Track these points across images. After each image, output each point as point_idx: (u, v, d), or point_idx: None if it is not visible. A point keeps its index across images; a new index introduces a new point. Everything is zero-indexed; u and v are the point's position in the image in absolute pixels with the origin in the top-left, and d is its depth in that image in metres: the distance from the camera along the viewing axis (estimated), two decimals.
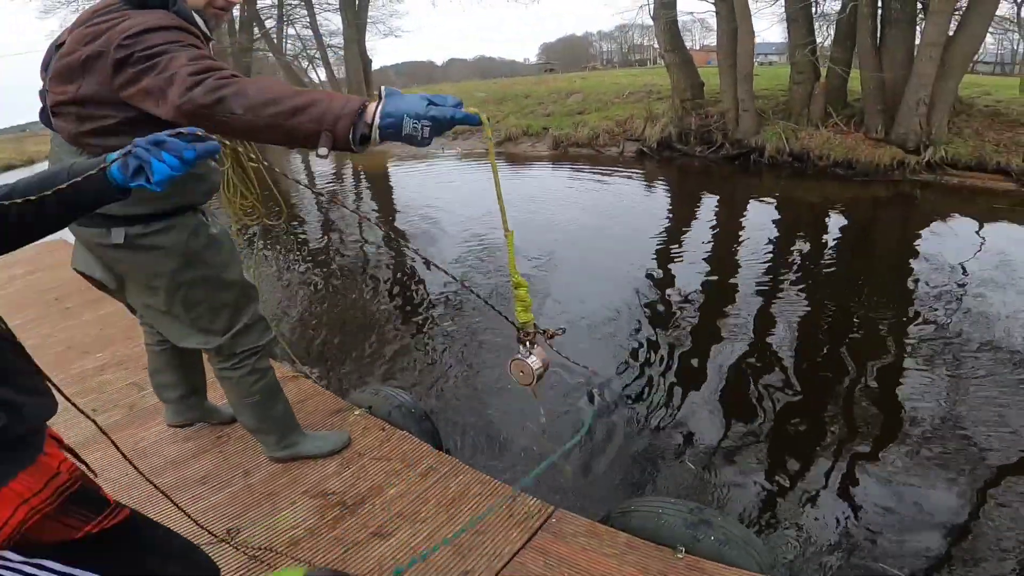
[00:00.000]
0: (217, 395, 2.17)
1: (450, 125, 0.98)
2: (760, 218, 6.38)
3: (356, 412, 2.28)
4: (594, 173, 9.41)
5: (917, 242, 5.33)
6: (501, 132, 13.05)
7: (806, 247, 5.31)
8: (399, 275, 5.41)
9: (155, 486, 1.12)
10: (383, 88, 1.00)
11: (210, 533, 1.31)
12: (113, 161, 0.81)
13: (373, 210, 8.81)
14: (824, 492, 2.28)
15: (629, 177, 8.98)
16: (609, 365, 3.31)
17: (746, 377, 3.10)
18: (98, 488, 0.94)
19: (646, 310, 4.05)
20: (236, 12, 21.94)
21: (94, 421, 0.99)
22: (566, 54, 54.58)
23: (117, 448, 1.05)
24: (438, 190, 9.23)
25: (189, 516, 1.23)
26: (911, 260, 4.79)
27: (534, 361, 1.25)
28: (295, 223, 7.92)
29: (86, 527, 0.89)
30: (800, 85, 8.96)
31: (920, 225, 5.84)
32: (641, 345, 3.53)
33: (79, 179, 0.79)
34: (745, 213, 6.69)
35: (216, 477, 1.95)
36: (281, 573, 1.45)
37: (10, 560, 0.83)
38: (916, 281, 4.28)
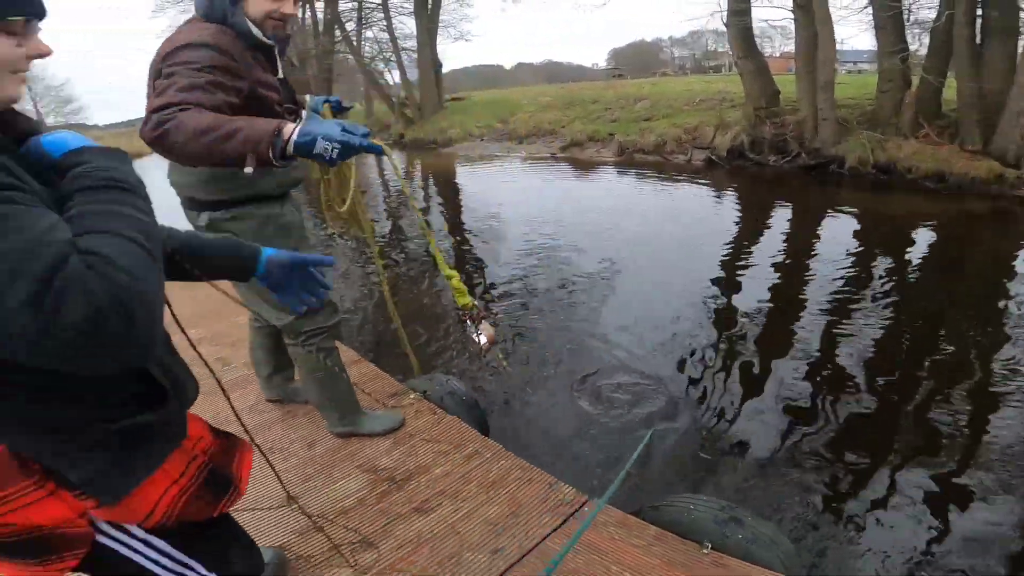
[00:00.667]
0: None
1: (357, 151, 1.14)
2: (837, 230, 6.09)
3: (412, 396, 2.42)
4: (660, 180, 9.28)
5: (1014, 261, 4.91)
6: (566, 137, 13.09)
7: (888, 262, 5.01)
8: (459, 269, 5.59)
9: (256, 447, 1.17)
10: (304, 111, 1.37)
11: (288, 495, 1.43)
12: (262, 276, 1.02)
13: (439, 208, 9.09)
14: (880, 511, 2.19)
15: (697, 185, 8.79)
16: (669, 368, 3.31)
17: (810, 391, 3.00)
18: (227, 466, 0.97)
19: (710, 317, 3.99)
20: (320, 14, 23.28)
21: (219, 383, 1.12)
22: (635, 59, 53.74)
23: (232, 409, 1.18)
24: (503, 191, 9.41)
25: (278, 476, 1.34)
26: (1007, 280, 4.43)
27: (481, 337, 1.52)
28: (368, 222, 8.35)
29: (215, 509, 0.94)
30: (888, 94, 8.46)
31: (1018, 243, 5.37)
32: (702, 351, 3.49)
33: (234, 260, 1.00)
34: (821, 225, 6.39)
35: (283, 448, 2.13)
36: None
37: (133, 537, 0.88)
38: (1011, 303, 3.95)
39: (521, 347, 3.75)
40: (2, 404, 0.67)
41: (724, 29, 10.56)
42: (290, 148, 1.10)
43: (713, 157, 10.10)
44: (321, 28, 23.73)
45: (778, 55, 26.69)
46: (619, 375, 3.28)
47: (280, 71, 1.53)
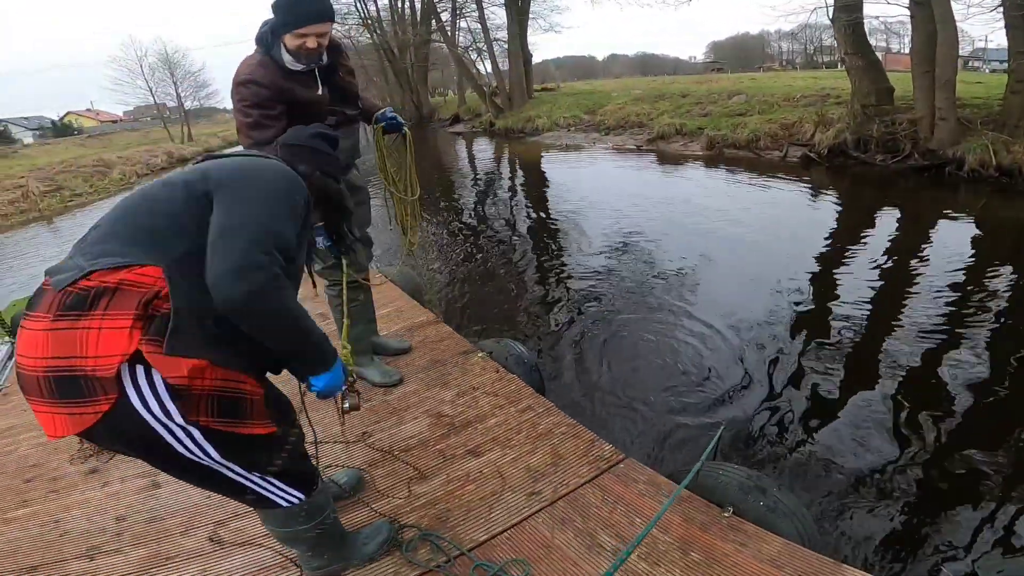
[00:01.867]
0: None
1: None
2: (950, 237, 5.51)
3: (479, 354, 2.63)
4: (752, 176, 8.84)
5: None
6: (653, 130, 12.78)
7: (1009, 272, 4.46)
8: (539, 251, 5.81)
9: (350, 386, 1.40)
10: (365, 131, 2.09)
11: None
12: (318, 392, 1.21)
13: (524, 195, 9.25)
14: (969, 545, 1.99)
15: (792, 182, 8.28)
16: (745, 367, 3.20)
17: (900, 408, 2.75)
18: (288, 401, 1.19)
19: (798, 321, 3.78)
20: (418, 4, 24.13)
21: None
22: (738, 53, 51.07)
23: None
24: (588, 182, 9.39)
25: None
26: None
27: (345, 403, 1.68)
28: (454, 197, 8.73)
29: (272, 427, 1.11)
30: (1019, 95, 7.53)
31: None
32: (785, 354, 3.33)
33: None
34: (932, 230, 5.81)
35: (363, 391, 2.33)
36: None
37: (193, 433, 1.01)
38: None
39: (595, 331, 3.81)
40: None
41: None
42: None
43: (811, 154, 9.44)
44: (419, 18, 24.59)
45: (903, 52, 24.34)
46: (691, 367, 3.25)
47: (320, 86, 1.84)
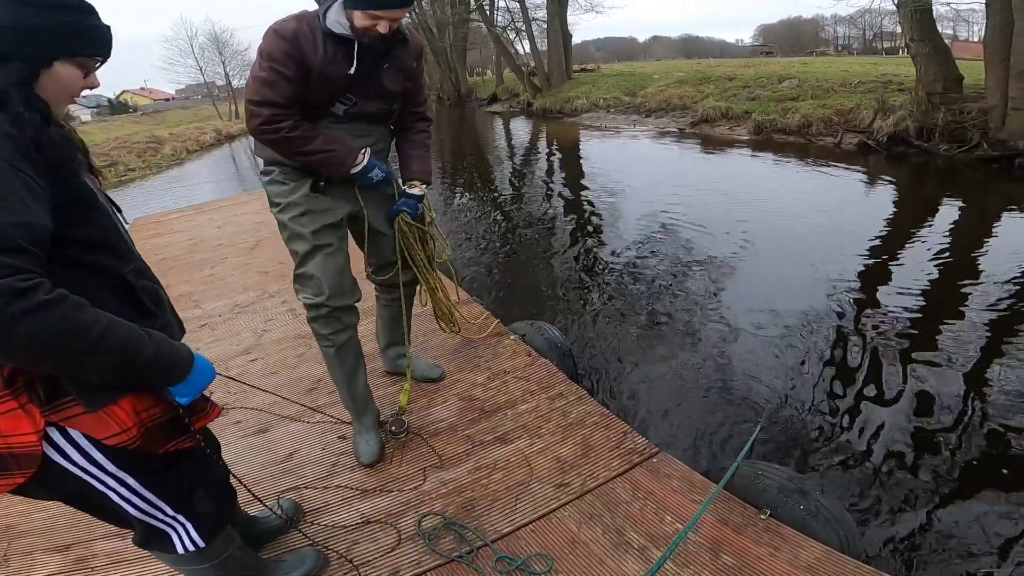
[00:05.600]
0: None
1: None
2: (1019, 233, 5.10)
3: (512, 337, 2.58)
4: (802, 163, 8.43)
5: None
6: (697, 113, 12.34)
7: None
8: (574, 234, 5.70)
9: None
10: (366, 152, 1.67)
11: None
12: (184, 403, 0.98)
13: (560, 176, 9.09)
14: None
15: (846, 170, 7.84)
16: (784, 361, 3.06)
17: (950, 410, 2.57)
18: (187, 417, 1.01)
19: (844, 313, 3.57)
20: None
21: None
22: (789, 37, 48.82)
23: None
24: (627, 164, 9.17)
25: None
26: None
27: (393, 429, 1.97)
28: (489, 181, 8.68)
29: (163, 447, 0.98)
30: None
31: None
32: (827, 347, 3.17)
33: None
34: (998, 224, 5.39)
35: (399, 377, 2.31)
36: None
37: (90, 460, 0.93)
38: None
39: (630, 318, 3.72)
40: None
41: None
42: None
43: (869, 142, 8.91)
44: None
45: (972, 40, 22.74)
46: (729, 361, 3.13)
47: (354, 65, 1.55)
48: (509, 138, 13.79)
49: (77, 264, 0.84)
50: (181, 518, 1.09)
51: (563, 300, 4.13)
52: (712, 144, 10.53)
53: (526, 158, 11.45)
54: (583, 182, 8.27)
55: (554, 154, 11.51)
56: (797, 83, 12.47)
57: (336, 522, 1.64)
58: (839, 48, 42.99)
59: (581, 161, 10.37)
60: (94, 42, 0.89)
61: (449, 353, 2.50)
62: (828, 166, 8.09)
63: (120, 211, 1.01)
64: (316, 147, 1.56)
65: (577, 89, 17.79)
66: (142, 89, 52.18)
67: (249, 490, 1.29)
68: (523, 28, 21.62)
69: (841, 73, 12.96)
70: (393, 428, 1.96)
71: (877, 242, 4.91)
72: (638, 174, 8.16)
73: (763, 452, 2.37)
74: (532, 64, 20.73)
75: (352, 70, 1.54)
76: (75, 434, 0.90)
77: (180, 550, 1.12)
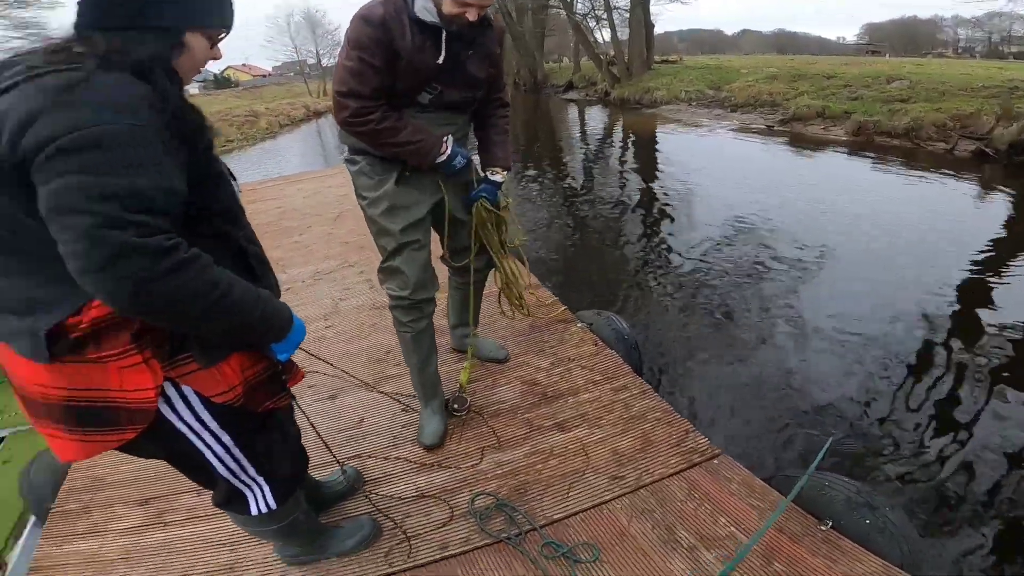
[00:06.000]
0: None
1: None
2: None
3: (579, 325, 2.57)
4: (907, 168, 7.72)
5: None
6: (789, 110, 11.59)
7: None
8: (646, 226, 5.61)
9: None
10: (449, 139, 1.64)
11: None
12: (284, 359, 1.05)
13: (635, 167, 8.89)
14: None
15: (957, 179, 7.11)
16: (867, 379, 2.87)
17: None
18: (284, 373, 1.08)
19: (937, 329, 3.30)
20: None
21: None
22: (901, 37, 44.77)
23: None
24: (708, 158, 8.83)
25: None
26: None
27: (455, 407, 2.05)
28: (561, 167, 8.64)
29: (263, 404, 1.04)
30: None
31: None
32: (914, 369, 2.93)
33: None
34: None
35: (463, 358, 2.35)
36: None
37: (197, 418, 0.99)
38: None
39: (698, 312, 3.66)
40: None
41: None
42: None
43: (987, 150, 8.02)
44: None
45: None
46: (801, 369, 2.99)
47: (442, 54, 1.50)
48: (584, 126, 13.61)
49: (206, 229, 0.89)
50: (261, 480, 1.16)
51: (631, 291, 4.07)
52: (803, 143, 9.87)
53: (600, 146, 11.25)
54: (658, 173, 8.04)
55: (629, 144, 11.26)
56: (908, 84, 11.40)
57: (394, 493, 1.71)
58: (958, 51, 38.92)
59: (658, 152, 10.06)
60: (223, 14, 0.91)
61: (516, 336, 2.53)
62: (936, 173, 7.37)
63: (235, 179, 1.06)
64: (403, 138, 1.55)
65: (658, 80, 17.18)
66: (243, 66, 55.81)
67: (330, 450, 1.39)
68: (604, 16, 21.07)
69: (961, 76, 11.70)
70: (455, 406, 2.02)
71: (982, 257, 4.45)
72: (718, 169, 7.82)
73: (831, 463, 2.26)
74: (612, 53, 20.19)
75: (440, 60, 1.50)
76: (187, 390, 0.95)
77: (254, 511, 1.19)
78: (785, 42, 54.07)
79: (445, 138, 1.64)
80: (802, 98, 11.98)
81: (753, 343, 3.24)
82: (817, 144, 9.73)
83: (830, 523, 1.44)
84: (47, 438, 0.92)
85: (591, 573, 1.39)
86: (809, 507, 1.50)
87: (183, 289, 0.76)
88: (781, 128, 11.26)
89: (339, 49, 1.57)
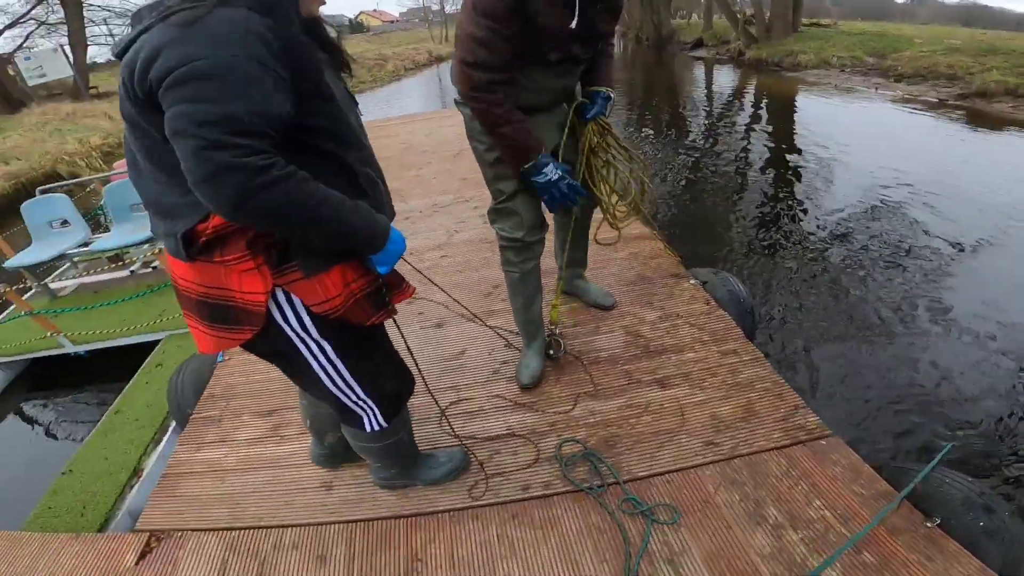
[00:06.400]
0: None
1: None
2: None
3: (692, 281, 2.44)
4: None
5: None
6: (972, 84, 9.86)
7: None
8: (775, 191, 5.27)
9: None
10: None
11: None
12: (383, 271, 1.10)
13: (767, 129, 8.18)
14: None
15: None
16: (1006, 380, 2.56)
17: None
18: (388, 290, 1.12)
19: None
20: None
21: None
22: None
23: None
24: (856, 128, 7.84)
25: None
26: None
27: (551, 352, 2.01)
28: (683, 117, 8.11)
29: (368, 319, 1.09)
30: None
31: None
32: None
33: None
34: None
35: (569, 300, 2.37)
36: None
37: (305, 328, 1.07)
38: None
39: (822, 288, 3.43)
40: None
41: None
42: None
43: None
44: None
45: None
46: (930, 358, 2.72)
47: (575, 17, 1.42)
48: (710, 84, 12.62)
49: (308, 146, 0.94)
50: (370, 402, 1.25)
51: (753, 254, 3.87)
52: (982, 121, 8.40)
53: (729, 105, 10.38)
54: (793, 138, 7.33)
55: (763, 106, 10.27)
56: None
57: (485, 428, 1.77)
58: None
59: (795, 117, 9.11)
60: None
61: (624, 285, 2.47)
62: None
63: (357, 104, 1.12)
64: (507, 132, 1.53)
65: (804, 43, 15.25)
66: (374, 11, 57.95)
67: (424, 381, 1.44)
68: None
69: None
70: (551, 352, 2.02)
71: None
72: (867, 141, 6.90)
73: (953, 460, 2.05)
74: (750, 11, 18.22)
75: (573, 24, 1.43)
76: (294, 298, 1.04)
77: (368, 430, 1.31)
78: (974, 15, 45.41)
79: (541, 150, 1.58)
80: (991, 73, 10.12)
81: (885, 326, 2.96)
82: (1000, 124, 8.23)
83: (938, 520, 1.32)
84: (191, 330, 1.08)
85: (667, 536, 1.38)
86: (920, 502, 1.38)
87: (278, 201, 0.83)
88: (957, 103, 9.66)
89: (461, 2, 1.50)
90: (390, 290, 1.13)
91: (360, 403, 1.25)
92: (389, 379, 1.27)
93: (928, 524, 1.32)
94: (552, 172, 1.59)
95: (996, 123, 8.35)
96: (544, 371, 1.97)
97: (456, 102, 1.73)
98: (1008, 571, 1.22)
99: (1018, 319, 2.97)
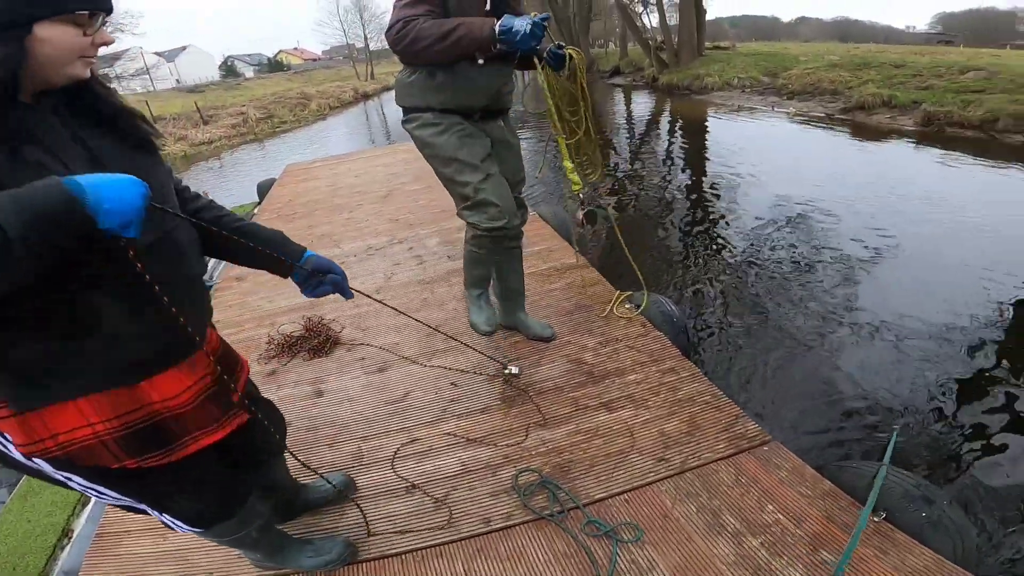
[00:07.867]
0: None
1: (542, 32, 1.51)
2: None
3: (626, 305, 2.52)
4: (979, 160, 7.24)
5: None
6: (852, 98, 11.01)
7: None
8: (694, 213, 5.52)
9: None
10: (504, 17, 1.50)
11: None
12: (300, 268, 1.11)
13: (682, 153, 8.71)
14: None
15: None
16: (926, 376, 2.76)
17: None
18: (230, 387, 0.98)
19: (1007, 326, 3.14)
20: None
21: None
22: (976, 28, 41.86)
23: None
24: (760, 147, 8.52)
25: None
26: None
27: (578, 214, 2.03)
28: (605, 148, 8.54)
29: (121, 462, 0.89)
30: None
31: None
32: (977, 368, 2.80)
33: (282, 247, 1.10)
34: None
35: (511, 332, 2.41)
36: None
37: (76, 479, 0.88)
38: None
39: (746, 302, 3.60)
40: None
41: None
42: (498, 30, 1.48)
43: None
44: None
45: None
46: (854, 360, 2.90)
47: (489, 4, 1.59)
48: (630, 111, 13.38)
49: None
50: (164, 516, 1.04)
51: (680, 276, 4.05)
52: (866, 134, 9.38)
53: (647, 130, 11.03)
54: (707, 160, 7.84)
55: (677, 129, 10.98)
56: (986, 75, 10.62)
57: (438, 468, 1.73)
58: None
59: (707, 139, 9.78)
60: None
61: (562, 315, 2.52)
62: (1012, 166, 6.89)
63: (170, 174, 0.95)
64: (451, 26, 1.50)
65: (708, 66, 16.57)
66: (295, 49, 57.30)
67: (304, 464, 1.20)
68: (652, 0, 20.44)
69: None
70: (514, 370, 2.04)
71: None
72: (772, 156, 7.54)
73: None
74: (660, 38, 19.62)
75: (488, 6, 1.55)
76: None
77: (177, 532, 1.09)
78: (847, 30, 51.22)
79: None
80: (867, 86, 11.35)
81: (807, 334, 3.15)
82: (881, 134, 9.22)
83: (884, 514, 1.40)
84: None
85: (633, 553, 1.39)
86: (863, 498, 1.46)
87: None
88: (842, 117, 10.73)
89: (383, 33, 1.63)
90: (231, 375, 1.00)
91: (143, 509, 1.03)
92: (185, 501, 1.03)
93: (875, 518, 1.39)
94: (522, 23, 1.48)
95: (877, 133, 9.33)
96: (493, 406, 1.97)
97: (403, 122, 1.81)
98: (963, 562, 1.29)
99: (927, 315, 3.24)
